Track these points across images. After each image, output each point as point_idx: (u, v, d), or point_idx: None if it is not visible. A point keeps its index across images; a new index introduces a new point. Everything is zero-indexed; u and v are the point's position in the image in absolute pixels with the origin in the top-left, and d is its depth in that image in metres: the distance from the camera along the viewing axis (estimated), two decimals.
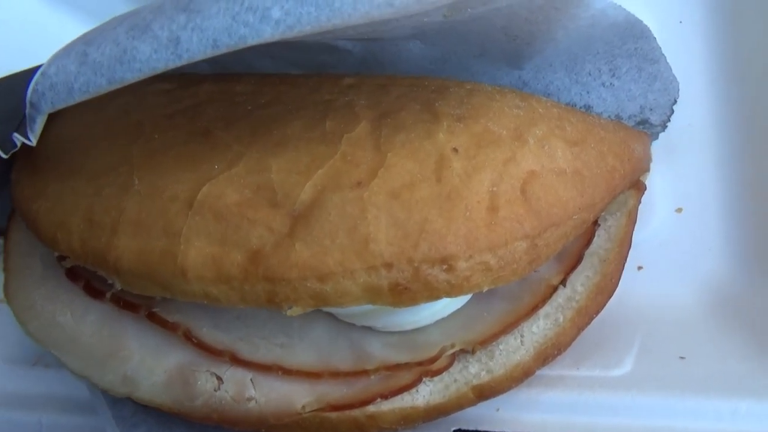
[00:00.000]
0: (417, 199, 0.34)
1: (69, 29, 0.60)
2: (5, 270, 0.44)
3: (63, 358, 0.38)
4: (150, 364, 0.37)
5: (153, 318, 0.38)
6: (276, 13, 0.29)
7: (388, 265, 0.33)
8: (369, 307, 0.37)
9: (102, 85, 0.31)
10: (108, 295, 0.39)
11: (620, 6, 0.43)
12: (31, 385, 0.51)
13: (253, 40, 0.30)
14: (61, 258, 0.39)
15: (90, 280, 0.40)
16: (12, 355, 0.53)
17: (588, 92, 0.51)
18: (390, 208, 0.33)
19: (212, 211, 0.34)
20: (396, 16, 0.33)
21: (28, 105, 0.32)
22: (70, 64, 0.31)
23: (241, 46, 0.30)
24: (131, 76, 0.30)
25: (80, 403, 0.49)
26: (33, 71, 0.41)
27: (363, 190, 0.34)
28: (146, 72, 0.30)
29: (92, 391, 0.44)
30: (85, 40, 0.32)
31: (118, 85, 0.31)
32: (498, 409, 0.41)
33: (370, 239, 0.33)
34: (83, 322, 0.39)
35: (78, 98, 0.31)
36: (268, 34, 0.30)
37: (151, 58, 0.30)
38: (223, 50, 0.30)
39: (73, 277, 0.41)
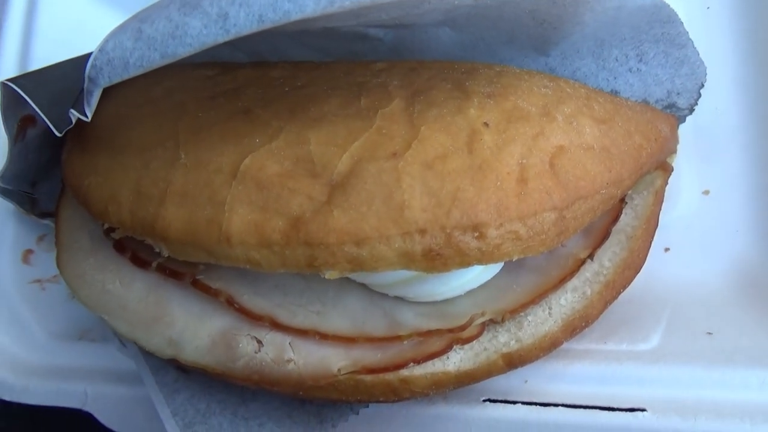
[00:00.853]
0: (450, 170, 0.35)
1: (113, 25, 0.63)
2: (57, 244, 0.46)
3: (112, 323, 0.41)
4: (194, 328, 0.39)
5: (197, 285, 0.40)
6: None
7: (422, 231, 0.34)
8: (402, 275, 0.38)
9: (155, 60, 0.33)
10: (154, 264, 0.41)
11: None
12: (76, 358, 0.54)
13: (296, 15, 0.32)
14: (110, 230, 0.42)
15: (136, 251, 0.42)
16: (59, 330, 0.56)
17: (615, 78, 0.51)
18: (424, 177, 0.35)
19: (254, 181, 0.36)
20: None
21: (86, 80, 0.35)
22: (126, 40, 0.33)
23: (285, 21, 0.32)
24: (183, 51, 0.33)
25: (123, 375, 0.51)
26: (81, 59, 0.44)
27: (398, 160, 0.35)
28: (197, 47, 0.33)
29: (136, 359, 0.46)
30: (140, 17, 0.34)
31: (170, 60, 0.33)
32: (526, 381, 0.42)
33: (405, 206, 0.34)
34: (130, 290, 0.41)
35: (133, 72, 0.34)
36: (310, 8, 0.31)
37: (202, 33, 0.32)
38: (268, 25, 0.32)
39: (120, 248, 0.43)
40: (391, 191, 0.34)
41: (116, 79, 0.34)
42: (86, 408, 0.51)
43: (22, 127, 0.50)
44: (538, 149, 0.37)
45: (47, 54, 0.61)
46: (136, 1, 0.62)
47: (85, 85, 0.35)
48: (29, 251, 0.58)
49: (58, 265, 0.45)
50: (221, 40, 0.32)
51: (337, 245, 0.34)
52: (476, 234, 0.35)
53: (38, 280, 0.57)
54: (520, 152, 0.37)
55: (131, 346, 0.46)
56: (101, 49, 0.34)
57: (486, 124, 0.37)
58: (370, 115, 0.38)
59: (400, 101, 0.39)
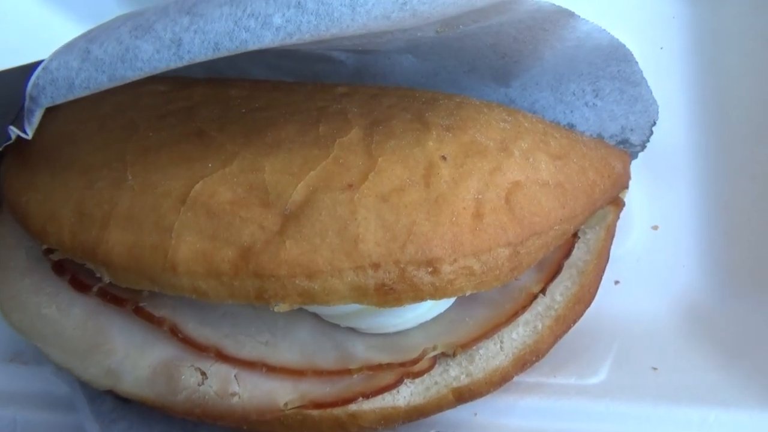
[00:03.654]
0: (406, 203, 0.35)
1: (62, 29, 0.61)
2: None
3: (46, 350, 0.38)
4: (134, 358, 0.37)
5: (139, 312, 0.38)
6: (277, 20, 0.30)
7: (376, 266, 0.34)
8: (354, 307, 0.38)
9: (103, 82, 0.32)
10: (94, 289, 0.39)
11: (605, 30, 0.45)
12: (6, 381, 0.51)
13: (253, 45, 0.31)
14: (49, 251, 0.40)
15: (76, 273, 0.40)
16: None
17: (572, 111, 0.53)
18: (379, 210, 0.34)
19: (205, 208, 0.35)
20: (392, 28, 0.34)
21: (27, 98, 0.33)
22: (72, 60, 0.32)
23: (242, 50, 0.31)
24: (132, 74, 0.31)
25: (56, 401, 0.49)
26: (28, 67, 0.41)
27: (354, 192, 0.35)
28: (147, 71, 0.31)
29: (72, 386, 0.44)
30: (88, 37, 0.32)
31: (118, 83, 0.32)
32: (476, 414, 0.42)
33: (359, 239, 0.34)
34: (68, 315, 0.39)
35: (78, 94, 0.32)
36: (268, 39, 0.31)
37: (153, 57, 0.31)
38: (223, 53, 0.31)
39: (59, 270, 0.41)
40: (346, 223, 0.34)
41: (59, 100, 0.32)
42: None
43: None
44: (494, 185, 0.37)
45: None
46: (88, 7, 0.62)
47: (26, 104, 0.33)
48: None
49: None
50: (174, 65, 0.31)
51: (288, 278, 0.33)
52: (430, 269, 0.34)
53: None
54: (477, 187, 0.37)
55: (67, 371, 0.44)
56: (45, 67, 0.32)
57: (444, 158, 0.37)
58: (327, 143, 0.37)
59: (359, 130, 0.38)
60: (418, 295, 0.35)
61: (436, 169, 0.37)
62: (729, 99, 0.52)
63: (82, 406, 0.42)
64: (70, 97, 0.32)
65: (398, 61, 0.51)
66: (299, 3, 0.31)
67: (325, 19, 0.31)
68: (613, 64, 0.49)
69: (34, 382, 0.49)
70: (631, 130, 0.52)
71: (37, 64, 0.37)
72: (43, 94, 0.32)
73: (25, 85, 0.33)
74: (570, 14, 0.41)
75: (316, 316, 0.40)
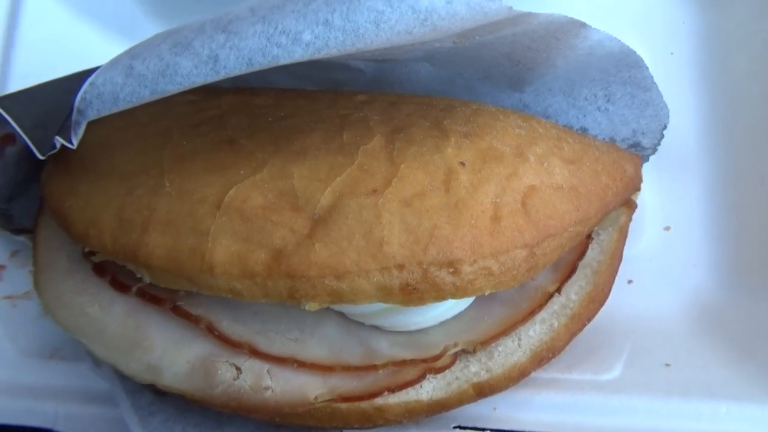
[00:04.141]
0: (427, 207, 0.37)
1: (92, 42, 0.63)
2: (34, 265, 0.46)
3: (91, 347, 0.41)
4: (173, 354, 0.39)
5: (177, 311, 0.40)
6: (307, 36, 0.33)
7: (400, 267, 0.36)
8: (379, 306, 0.40)
9: (145, 96, 0.34)
10: (134, 289, 0.41)
11: (616, 38, 0.46)
12: (47, 376, 0.53)
13: (284, 60, 0.33)
14: (91, 253, 0.42)
15: (116, 274, 0.43)
16: (29, 348, 0.55)
17: (584, 115, 0.54)
18: (402, 214, 0.36)
19: (238, 213, 0.37)
20: (413, 42, 0.36)
21: (75, 112, 0.35)
22: (116, 75, 0.34)
23: (273, 64, 0.33)
24: (173, 89, 0.34)
25: (95, 395, 0.51)
26: (63, 80, 0.44)
27: (378, 197, 0.37)
28: (186, 85, 0.34)
29: (111, 381, 0.46)
30: (131, 54, 0.35)
31: (159, 96, 0.34)
32: (495, 408, 0.44)
33: (384, 242, 0.36)
34: (110, 314, 0.41)
35: (122, 107, 0.35)
36: (298, 54, 0.33)
37: (192, 72, 0.33)
38: (256, 68, 0.33)
39: (99, 271, 0.43)
40: (371, 227, 0.36)
41: (105, 112, 0.35)
42: (57, 428, 0.50)
43: (1, 144, 0.50)
44: (511, 189, 0.39)
45: (27, 69, 0.61)
46: (116, 17, 0.64)
47: (73, 116, 0.35)
48: (1, 267, 0.57)
49: (36, 287, 0.45)
50: (211, 80, 0.33)
51: (318, 278, 0.35)
52: (451, 270, 0.36)
53: (9, 297, 0.57)
54: (494, 191, 0.39)
55: (106, 367, 0.46)
56: (92, 83, 0.34)
57: (462, 164, 0.39)
58: (352, 151, 0.39)
59: (381, 138, 0.40)
60: (440, 294, 0.37)
61: (455, 174, 0.38)
62: (738, 102, 0.53)
63: (122, 399, 0.44)
64: (115, 110, 0.35)
65: (415, 69, 0.53)
66: (327, 20, 0.33)
67: (351, 35, 0.33)
68: (624, 70, 0.51)
69: (72, 378, 0.52)
70: (643, 133, 0.54)
71: (74, 77, 0.39)
72: (90, 108, 0.34)
73: (73, 100, 0.35)
74: (581, 24, 0.43)
75: (341, 314, 0.42)
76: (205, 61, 0.33)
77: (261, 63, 0.33)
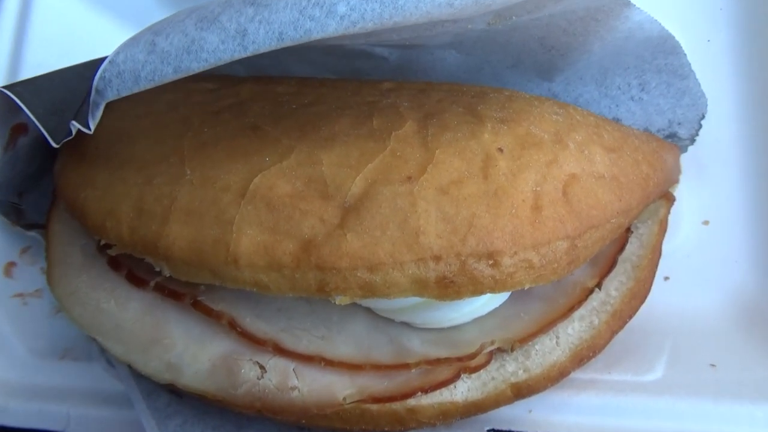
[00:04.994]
0: (465, 196, 0.35)
1: (106, 31, 0.62)
2: (47, 259, 0.44)
3: (106, 344, 0.39)
4: (194, 351, 0.37)
5: (198, 306, 0.38)
6: (341, 8, 0.31)
7: (437, 258, 0.34)
8: (410, 301, 0.38)
9: (168, 74, 0.32)
10: (152, 283, 0.39)
11: (656, 21, 0.44)
12: (59, 377, 0.51)
13: (317, 34, 0.31)
14: (106, 247, 0.40)
15: (133, 268, 0.41)
16: (41, 348, 0.53)
17: (617, 105, 0.52)
18: (439, 202, 0.34)
19: (264, 201, 0.35)
20: (453, 17, 0.34)
21: (93, 91, 0.33)
22: (138, 53, 0.32)
23: (305, 39, 0.31)
24: (198, 66, 0.32)
25: (108, 397, 0.49)
26: (80, 66, 0.42)
27: (413, 184, 0.35)
28: (212, 62, 0.32)
29: (127, 381, 0.44)
30: (153, 30, 0.33)
31: (183, 74, 0.32)
32: (530, 411, 0.42)
33: (420, 232, 0.34)
34: (126, 309, 0.39)
35: (144, 86, 0.33)
36: (332, 28, 0.31)
37: (218, 48, 0.31)
38: (287, 43, 0.31)
39: (115, 266, 0.41)
40: (407, 216, 0.34)
41: (125, 93, 0.33)
42: (68, 430, 0.49)
43: (13, 135, 0.48)
44: (551, 177, 0.37)
45: (40, 59, 0.60)
46: (130, 7, 0.63)
47: (92, 97, 0.33)
48: (11, 264, 0.55)
49: (49, 282, 0.43)
50: (238, 56, 0.31)
51: (350, 270, 0.33)
52: (491, 262, 0.34)
53: (20, 294, 0.55)
54: (535, 179, 0.36)
55: (120, 367, 0.44)
56: (111, 60, 0.32)
57: (500, 150, 0.37)
58: (383, 136, 0.37)
59: (413, 123, 0.38)
60: (477, 288, 0.34)
61: (493, 161, 0.36)
62: None
63: (137, 401, 0.42)
64: (135, 90, 0.33)
65: (441, 56, 0.51)
66: None
67: (390, 7, 0.31)
68: (661, 57, 0.49)
69: (85, 379, 0.50)
70: (679, 123, 0.52)
71: (90, 64, 0.37)
72: (110, 87, 0.32)
73: (91, 81, 0.33)
74: (625, 3, 0.41)
75: (369, 311, 0.40)
76: (233, 35, 0.31)
77: (292, 38, 0.31)
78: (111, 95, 0.33)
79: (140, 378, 0.42)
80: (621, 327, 0.42)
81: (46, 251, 0.45)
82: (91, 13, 0.63)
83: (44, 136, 0.40)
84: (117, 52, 0.32)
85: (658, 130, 0.52)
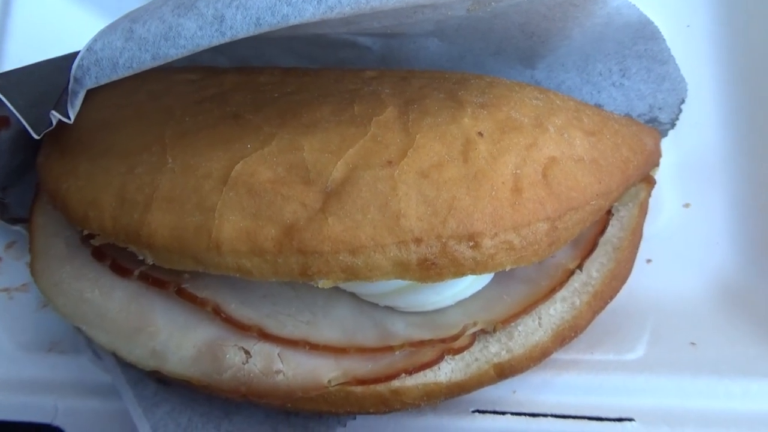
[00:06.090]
0: (445, 179, 0.35)
1: (89, 25, 0.61)
2: (31, 252, 0.44)
3: (91, 333, 0.39)
4: (178, 338, 0.38)
5: (182, 294, 0.38)
6: None
7: (418, 240, 0.34)
8: (394, 285, 0.38)
9: (146, 61, 0.32)
10: (136, 272, 0.39)
11: (634, 5, 0.45)
12: (46, 370, 0.51)
13: (295, 19, 0.31)
14: (89, 237, 0.40)
15: (117, 258, 0.41)
16: (27, 342, 0.53)
17: (599, 91, 0.52)
18: (420, 186, 0.35)
19: (246, 188, 0.35)
20: (432, 2, 0.34)
21: (72, 80, 0.33)
22: (116, 40, 0.32)
23: (283, 25, 0.31)
24: (175, 53, 0.32)
25: (95, 388, 0.49)
26: (59, 60, 0.42)
27: (394, 168, 0.35)
28: (190, 48, 0.32)
29: (113, 371, 0.44)
30: (131, 17, 0.33)
31: (161, 62, 0.32)
32: (515, 391, 0.42)
33: (401, 215, 0.34)
34: (110, 299, 0.39)
35: (122, 73, 0.33)
36: (309, 13, 0.31)
37: (196, 35, 0.31)
38: (265, 29, 0.31)
39: (99, 256, 0.41)
40: (387, 199, 0.34)
41: (103, 80, 0.33)
42: (56, 422, 0.49)
43: None
44: (531, 160, 0.37)
45: (21, 53, 0.59)
46: (112, 1, 0.62)
47: (70, 86, 0.33)
48: None
49: (33, 274, 0.43)
50: (216, 42, 0.31)
51: (332, 254, 0.34)
52: (471, 243, 0.35)
53: (6, 289, 0.55)
54: (515, 162, 0.37)
55: (107, 358, 0.44)
56: (89, 48, 0.32)
57: (480, 134, 0.37)
58: (364, 122, 0.37)
59: (394, 109, 0.39)
60: (459, 269, 0.35)
61: (473, 145, 0.37)
62: (757, 74, 0.51)
63: (124, 390, 0.42)
64: (114, 77, 0.33)
65: (424, 45, 0.51)
66: None
67: None
68: (641, 43, 0.49)
69: (72, 371, 0.50)
70: (660, 108, 0.52)
71: (71, 56, 0.37)
72: (88, 75, 0.32)
73: (68, 69, 0.33)
74: None
75: (354, 296, 0.40)
76: (210, 21, 0.31)
77: (270, 23, 0.31)
78: (89, 83, 0.33)
79: (127, 367, 0.42)
80: (602, 307, 0.42)
81: (29, 244, 0.45)
82: (73, 6, 0.63)
83: (25, 128, 0.40)
84: (95, 40, 0.32)
85: (639, 115, 0.53)
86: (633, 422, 0.39)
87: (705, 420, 0.38)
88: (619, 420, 0.39)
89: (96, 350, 0.48)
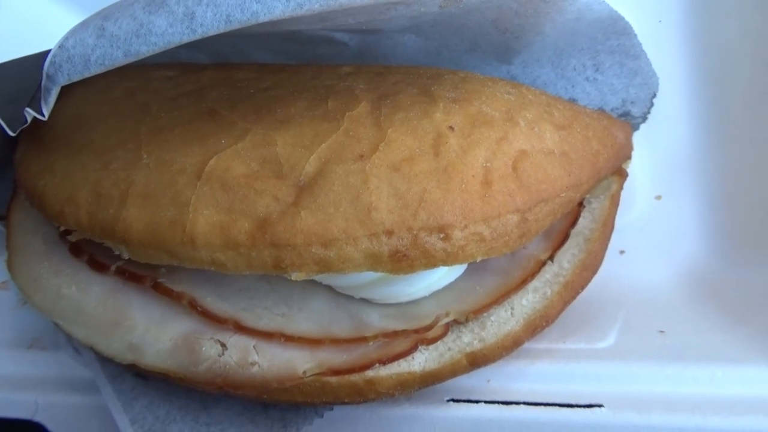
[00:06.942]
0: (416, 172, 0.36)
1: (68, 21, 0.61)
2: (8, 248, 0.45)
3: (68, 328, 0.39)
4: (155, 332, 0.38)
5: (158, 288, 0.39)
6: None
7: (389, 233, 0.35)
8: (368, 277, 0.39)
9: (118, 58, 0.32)
10: (113, 267, 0.40)
11: (604, 1, 0.46)
12: (26, 366, 0.51)
13: (264, 17, 0.32)
14: (66, 233, 0.40)
15: (94, 254, 0.41)
16: (7, 338, 0.53)
17: (573, 86, 0.53)
18: (391, 179, 0.35)
19: (220, 182, 0.36)
20: None
21: (44, 77, 0.33)
22: (87, 37, 0.32)
23: (253, 22, 0.32)
24: (147, 50, 0.32)
25: (76, 384, 0.50)
26: (37, 56, 0.42)
27: (365, 162, 0.35)
28: (161, 46, 0.32)
29: (92, 366, 0.45)
30: (103, 15, 0.33)
31: (133, 58, 0.33)
32: (489, 381, 0.43)
33: (372, 208, 0.35)
34: (88, 294, 0.40)
35: (94, 70, 0.33)
36: (278, 10, 0.31)
37: (167, 32, 0.32)
38: (235, 26, 0.32)
39: (76, 252, 0.42)
40: (359, 193, 0.35)
41: (76, 77, 0.33)
42: (36, 418, 0.49)
43: None
44: (501, 153, 0.38)
45: (3, 52, 0.59)
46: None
47: (43, 83, 0.34)
48: None
49: (10, 270, 0.43)
50: (187, 39, 0.32)
51: (304, 246, 0.34)
52: (442, 235, 0.35)
53: None
54: (485, 156, 0.37)
55: (86, 353, 0.45)
56: (61, 45, 0.33)
57: (451, 128, 0.38)
58: (337, 117, 0.38)
59: (367, 104, 0.39)
60: (430, 261, 0.36)
61: (444, 139, 0.37)
62: (727, 68, 0.52)
63: (104, 385, 0.42)
64: (86, 74, 0.33)
65: (401, 41, 0.52)
66: None
67: None
68: (613, 38, 0.50)
69: (52, 367, 0.50)
70: (632, 102, 0.53)
71: (47, 53, 0.37)
72: (60, 72, 0.33)
73: (42, 66, 0.34)
74: None
75: (330, 288, 0.41)
76: (180, 19, 0.31)
77: (240, 20, 0.31)
78: (62, 80, 0.33)
79: (105, 362, 0.43)
80: (573, 297, 0.43)
81: (7, 241, 0.45)
82: (55, 5, 0.63)
83: (1, 126, 0.40)
84: (66, 37, 0.33)
85: (613, 109, 0.54)
86: (602, 408, 0.40)
87: (671, 405, 0.39)
88: (589, 406, 0.40)
89: (76, 347, 0.48)
